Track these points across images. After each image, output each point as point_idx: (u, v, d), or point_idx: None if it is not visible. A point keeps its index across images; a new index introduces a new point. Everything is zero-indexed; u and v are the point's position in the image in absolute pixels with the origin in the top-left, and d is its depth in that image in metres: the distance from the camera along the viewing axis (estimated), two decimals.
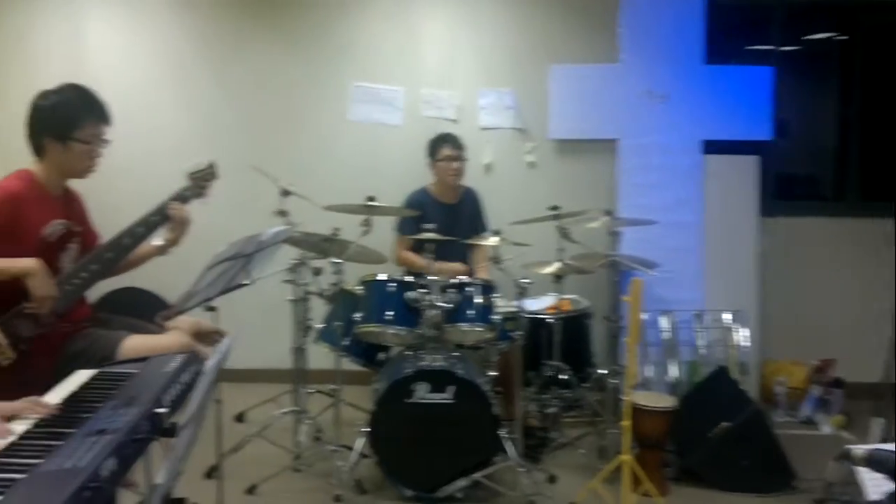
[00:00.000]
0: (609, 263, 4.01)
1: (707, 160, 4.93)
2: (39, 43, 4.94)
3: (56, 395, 2.08)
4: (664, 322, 4.64)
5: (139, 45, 5.01)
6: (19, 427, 1.85)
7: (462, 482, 3.45)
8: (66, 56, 4.91)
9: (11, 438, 1.78)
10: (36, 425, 1.88)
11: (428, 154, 4.57)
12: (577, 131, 5.05)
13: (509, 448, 3.53)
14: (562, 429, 4.17)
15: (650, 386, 4.51)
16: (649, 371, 4.61)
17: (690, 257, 4.85)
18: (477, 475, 3.45)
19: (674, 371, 4.52)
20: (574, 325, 4.32)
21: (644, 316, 4.59)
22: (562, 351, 4.06)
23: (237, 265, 2.73)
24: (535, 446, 3.98)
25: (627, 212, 4.71)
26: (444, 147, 4.50)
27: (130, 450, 1.74)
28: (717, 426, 3.72)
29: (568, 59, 5.00)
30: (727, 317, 4.66)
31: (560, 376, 4.09)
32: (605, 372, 4.21)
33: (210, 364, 1.63)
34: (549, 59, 5.00)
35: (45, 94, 2.82)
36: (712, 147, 4.95)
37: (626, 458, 3.19)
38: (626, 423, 3.18)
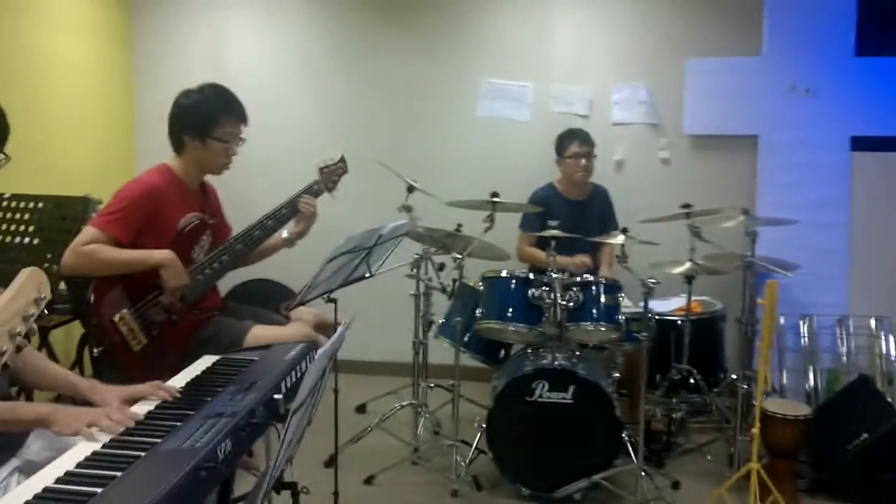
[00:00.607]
0: (745, 265, 3.82)
1: (855, 157, 4.62)
2: (183, 46, 5.22)
3: (181, 379, 2.18)
4: (803, 327, 4.39)
5: (274, 47, 5.20)
6: (143, 409, 1.95)
7: (581, 483, 3.39)
8: (207, 58, 5.16)
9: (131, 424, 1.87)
10: (158, 407, 1.98)
11: (555, 150, 4.49)
12: (714, 127, 4.86)
13: (631, 451, 3.44)
14: (688, 434, 4.03)
15: (786, 393, 4.28)
16: (785, 378, 4.37)
17: (834, 259, 4.56)
18: (597, 477, 3.38)
19: (812, 379, 4.26)
20: (705, 328, 4.15)
21: (781, 320, 4.37)
22: (691, 354, 3.92)
23: (357, 258, 2.79)
24: (660, 451, 3.86)
25: (767, 211, 4.49)
26: (573, 143, 4.41)
27: (246, 433, 1.81)
28: (858, 437, 3.48)
29: (705, 52, 4.81)
30: (873, 323, 4.36)
31: (689, 380, 3.94)
32: (737, 377, 4.02)
33: (322, 350, 1.65)
34: (685, 52, 4.83)
35: (186, 94, 2.97)
36: (861, 143, 4.63)
37: (755, 466, 3.04)
38: (756, 430, 3.03)
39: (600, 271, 4.31)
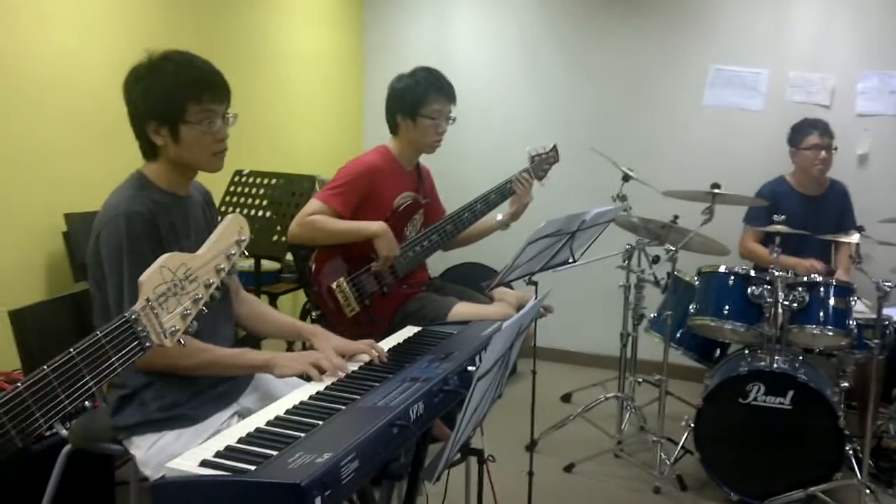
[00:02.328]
0: None
1: None
2: (410, 36, 5.42)
3: (385, 345, 2.29)
4: None
5: (496, 35, 5.27)
6: (352, 366, 2.08)
7: (797, 494, 3.17)
8: (431, 47, 5.31)
9: (341, 375, 2.01)
10: (362, 367, 2.10)
11: (789, 141, 4.19)
12: None
13: (856, 466, 3.18)
14: None
15: None
16: None
17: None
18: (815, 489, 3.13)
19: None
20: None
21: None
22: None
23: (559, 242, 2.77)
24: (890, 469, 3.51)
25: None
26: (811, 134, 4.09)
27: (438, 399, 1.87)
28: None
29: None
30: None
31: None
32: None
33: (510, 321, 1.66)
34: None
35: (399, 78, 3.14)
36: None
37: None
38: None
39: (836, 275, 3.97)
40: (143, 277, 1.34)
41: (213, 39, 4.02)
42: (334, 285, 2.95)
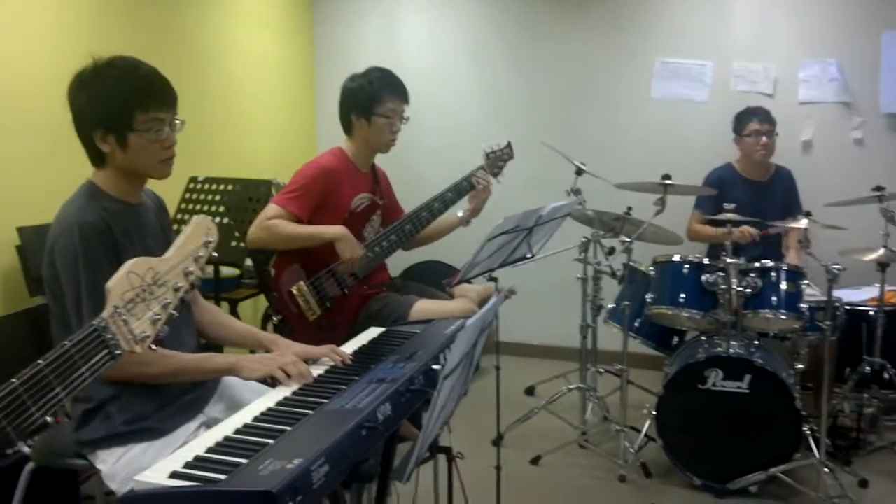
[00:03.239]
0: None
1: None
2: (360, 37, 5.42)
3: (349, 347, 2.30)
4: None
5: (445, 32, 5.30)
6: (315, 371, 2.08)
7: (758, 476, 3.24)
8: (381, 47, 5.33)
9: (308, 380, 2.01)
10: (327, 371, 2.11)
11: (733, 129, 4.31)
12: None
13: (813, 446, 3.26)
14: (881, 432, 3.75)
15: None
16: None
17: None
18: (775, 470, 3.21)
19: None
20: None
21: None
22: (885, 347, 3.63)
23: (518, 238, 2.80)
24: (847, 447, 3.62)
25: None
26: (752, 121, 4.21)
27: (405, 399, 1.89)
28: None
29: None
30: None
31: (882, 375, 3.66)
32: None
33: (473, 318, 1.69)
34: (881, 24, 4.48)
35: (353, 78, 3.15)
36: None
37: None
38: None
39: (787, 259, 4.08)
40: (110, 284, 1.33)
41: (161, 43, 3.98)
42: (294, 290, 2.94)
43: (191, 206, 3.68)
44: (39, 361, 1.22)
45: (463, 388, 1.87)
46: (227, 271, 3.98)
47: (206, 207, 3.66)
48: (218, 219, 3.61)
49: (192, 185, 3.75)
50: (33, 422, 1.19)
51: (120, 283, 1.33)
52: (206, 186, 3.73)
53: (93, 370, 1.28)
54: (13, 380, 1.19)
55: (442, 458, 2.36)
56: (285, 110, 5.23)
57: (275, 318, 3.02)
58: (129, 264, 1.36)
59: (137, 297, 1.36)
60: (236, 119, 4.67)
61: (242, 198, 3.65)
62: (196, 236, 1.50)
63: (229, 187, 3.71)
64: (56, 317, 2.03)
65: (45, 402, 1.21)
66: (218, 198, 3.68)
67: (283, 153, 5.11)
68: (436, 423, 1.66)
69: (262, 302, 4.39)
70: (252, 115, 4.84)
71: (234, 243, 3.49)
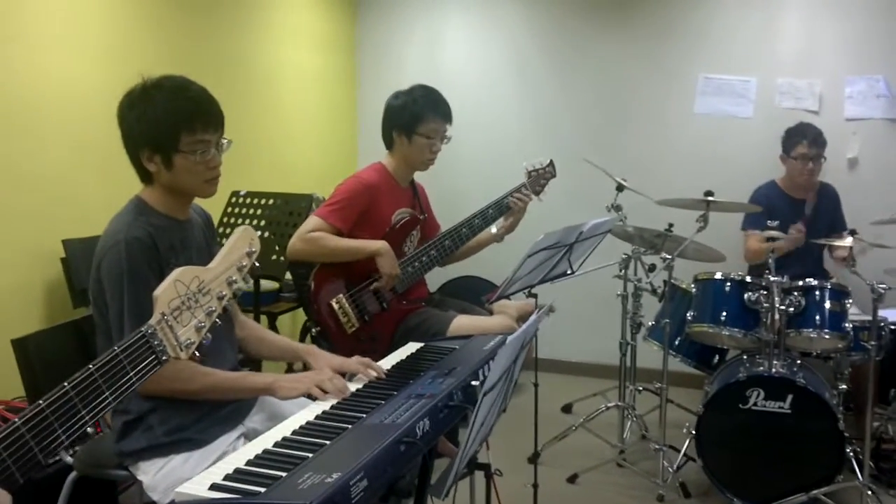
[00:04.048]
0: None
1: None
2: (402, 52, 5.46)
3: (388, 362, 2.31)
4: None
5: (487, 48, 5.31)
6: (353, 387, 2.09)
7: (800, 498, 3.18)
8: (423, 63, 5.36)
9: (345, 395, 2.02)
10: (366, 386, 2.12)
11: (782, 146, 4.23)
12: None
13: (856, 467, 3.20)
14: None
15: None
16: None
17: None
18: (816, 492, 3.15)
19: None
20: None
21: None
22: None
23: (558, 255, 2.80)
24: (891, 470, 3.53)
25: None
26: (801, 142, 4.10)
27: (444, 415, 1.88)
28: None
29: None
30: None
31: None
32: None
33: (514, 335, 1.68)
34: None
35: (396, 95, 3.16)
36: None
37: None
38: None
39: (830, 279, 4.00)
40: (157, 291, 1.36)
41: (206, 61, 4.05)
42: (334, 302, 2.97)
43: (232, 220, 3.73)
44: (90, 366, 1.25)
45: (502, 405, 1.87)
46: (266, 284, 4.03)
47: (247, 221, 3.71)
48: (259, 232, 3.66)
49: (233, 200, 3.80)
50: (83, 425, 1.23)
51: (167, 291, 1.37)
52: (248, 201, 3.78)
53: (140, 375, 1.32)
54: (64, 384, 1.22)
55: (479, 474, 2.36)
56: (327, 125, 5.28)
57: (313, 330, 3.05)
58: (176, 273, 1.39)
59: (183, 305, 1.39)
60: (278, 134, 4.73)
61: (283, 212, 3.69)
62: (240, 246, 1.54)
63: (270, 201, 3.75)
64: (101, 330, 2.07)
65: (94, 406, 1.25)
66: (259, 212, 3.73)
67: (325, 167, 5.16)
68: (475, 439, 1.66)
69: (300, 315, 4.43)
70: (294, 130, 4.90)
71: (273, 257, 3.53)
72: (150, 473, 2.04)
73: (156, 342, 1.34)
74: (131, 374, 1.30)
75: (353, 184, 3.06)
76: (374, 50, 5.56)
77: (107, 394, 1.26)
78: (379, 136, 3.24)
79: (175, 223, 2.11)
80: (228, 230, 3.71)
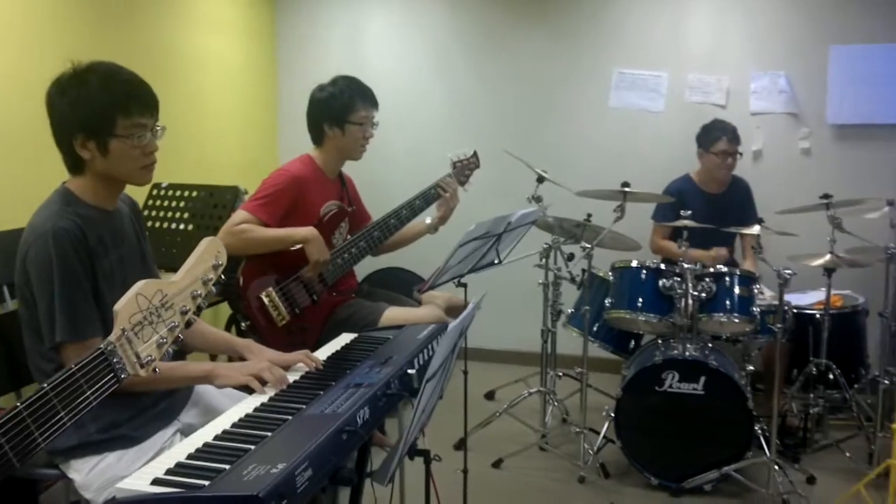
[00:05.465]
0: (888, 257, 3.66)
1: None
2: (323, 44, 5.44)
3: (323, 353, 2.33)
4: None
5: (409, 41, 5.34)
6: (292, 377, 2.11)
7: (712, 474, 3.35)
8: (345, 55, 5.34)
9: (283, 386, 2.04)
10: (303, 377, 2.14)
11: (699, 141, 4.36)
12: (858, 116, 4.65)
13: (764, 444, 3.38)
14: (826, 430, 3.89)
15: None
16: None
17: None
18: (728, 468, 3.33)
19: None
20: (845, 322, 3.99)
21: None
22: (831, 349, 3.78)
23: (487, 245, 2.87)
24: (795, 446, 3.76)
25: None
26: (721, 139, 4.24)
27: (382, 403, 1.93)
28: None
29: (849, 38, 4.62)
30: None
31: (828, 375, 3.82)
32: (879, 373, 3.85)
33: (453, 325, 1.74)
34: (828, 39, 4.65)
35: (321, 87, 3.18)
36: None
37: None
38: None
39: (742, 265, 4.21)
40: (118, 306, 1.31)
41: (123, 49, 3.95)
42: (263, 295, 2.97)
43: (154, 213, 3.67)
44: (44, 385, 1.20)
45: (440, 393, 1.93)
46: None
47: (170, 214, 3.66)
48: (182, 225, 3.62)
49: (155, 192, 3.74)
50: (36, 447, 1.17)
51: (128, 305, 1.32)
52: (171, 193, 3.72)
53: (98, 394, 1.26)
54: (18, 404, 1.17)
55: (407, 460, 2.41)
56: (247, 117, 5.22)
57: (243, 325, 3.04)
58: (138, 286, 1.34)
59: (145, 320, 1.34)
60: (198, 125, 4.65)
61: (207, 204, 3.65)
62: (206, 258, 1.49)
63: (194, 194, 3.70)
64: (27, 324, 2.03)
65: (48, 428, 1.19)
66: (182, 204, 3.68)
67: (245, 159, 5.10)
68: (416, 425, 1.71)
69: (224, 309, 4.38)
70: (214, 121, 4.83)
71: None
72: (83, 472, 2.01)
73: (115, 359, 1.29)
74: (88, 392, 1.24)
75: (281, 177, 3.05)
76: (294, 42, 5.51)
77: (62, 414, 1.21)
78: (300, 129, 3.25)
79: (104, 214, 2.07)
80: (151, 223, 3.65)
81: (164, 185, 3.75)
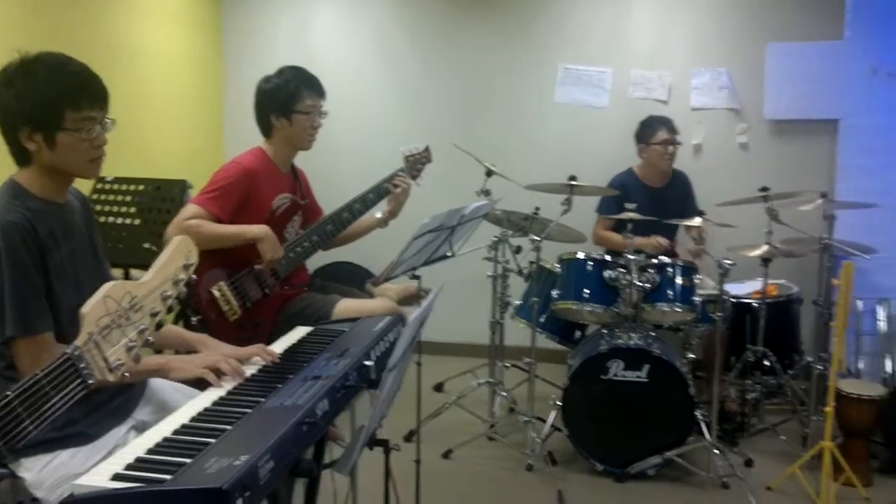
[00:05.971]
0: (822, 247, 3.81)
1: None
2: (270, 36, 5.40)
3: (278, 346, 2.33)
4: (881, 311, 4.32)
5: (357, 35, 5.34)
6: (249, 370, 2.12)
7: (655, 460, 3.45)
8: (292, 47, 5.32)
9: (240, 380, 2.04)
10: (260, 370, 2.14)
11: (638, 137, 4.47)
12: (794, 111, 4.82)
13: (704, 429, 3.49)
14: (762, 415, 4.05)
15: (862, 377, 4.24)
16: (862, 362, 4.33)
17: None
18: (670, 453, 3.44)
19: (890, 364, 4.20)
20: (781, 311, 4.14)
21: (859, 305, 4.32)
22: (767, 336, 3.91)
23: (441, 237, 2.90)
24: (733, 430, 3.90)
25: (846, 195, 4.43)
26: (660, 130, 4.37)
27: (341, 395, 1.95)
28: None
29: (786, 36, 4.78)
30: None
31: (764, 362, 3.96)
32: (812, 359, 4.02)
33: (414, 315, 1.77)
34: (766, 36, 4.80)
35: (267, 79, 3.18)
36: None
37: (828, 444, 3.07)
38: (830, 408, 3.07)
39: (683, 257, 4.31)
40: (85, 309, 1.27)
41: (64, 39, 3.85)
42: (215, 290, 2.95)
43: (100, 208, 3.61)
44: (8, 393, 1.16)
45: (398, 384, 1.96)
46: (137, 275, 3.91)
47: (115, 208, 3.60)
48: (129, 220, 3.57)
49: (100, 186, 3.68)
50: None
51: (96, 308, 1.27)
52: (116, 187, 3.66)
53: (65, 401, 1.22)
54: None
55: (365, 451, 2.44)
56: (192, 108, 5.15)
57: (193, 319, 3.01)
58: (105, 288, 1.30)
59: (113, 323, 1.29)
60: (142, 117, 4.57)
61: (155, 199, 3.61)
62: (176, 258, 1.46)
63: (141, 188, 3.65)
64: None
65: (12, 436, 1.15)
66: (129, 199, 3.62)
67: (190, 152, 5.04)
68: (378, 416, 1.74)
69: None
70: (159, 113, 4.75)
71: (147, 245, 3.45)
72: (34, 470, 1.96)
73: (82, 365, 1.24)
74: (55, 399, 1.20)
75: (232, 170, 3.03)
76: (241, 34, 5.46)
77: (27, 422, 1.17)
78: (246, 121, 3.24)
79: (53, 207, 2.03)
80: (97, 217, 3.58)
81: (109, 178, 3.69)
